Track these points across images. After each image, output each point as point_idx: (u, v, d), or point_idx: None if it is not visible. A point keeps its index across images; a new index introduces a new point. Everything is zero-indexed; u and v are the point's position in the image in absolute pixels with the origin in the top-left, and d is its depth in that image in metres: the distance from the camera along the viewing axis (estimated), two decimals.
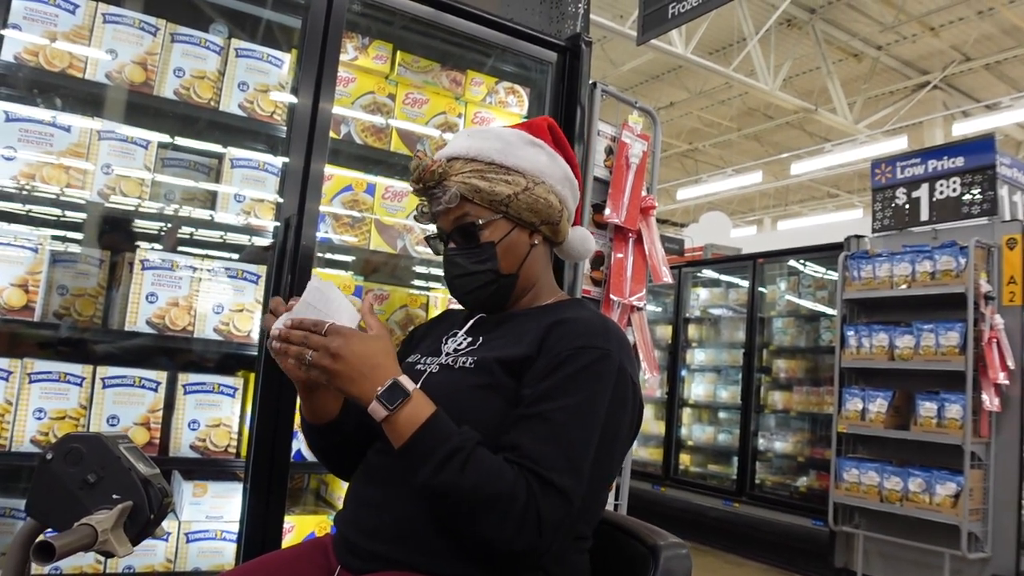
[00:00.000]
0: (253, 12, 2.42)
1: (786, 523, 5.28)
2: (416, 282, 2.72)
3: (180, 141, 2.31)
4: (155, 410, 2.10)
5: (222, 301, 2.19)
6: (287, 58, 2.34)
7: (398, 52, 2.53)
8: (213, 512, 2.17)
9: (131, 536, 1.01)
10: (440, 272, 2.56)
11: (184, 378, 2.15)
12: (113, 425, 2.05)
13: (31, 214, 2.17)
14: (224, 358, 2.28)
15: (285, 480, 2.11)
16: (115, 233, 2.23)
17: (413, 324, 2.54)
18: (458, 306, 1.50)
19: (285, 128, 2.28)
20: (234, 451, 2.18)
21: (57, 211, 2.17)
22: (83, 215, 2.20)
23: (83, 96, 2.17)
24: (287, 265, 2.11)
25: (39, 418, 1.95)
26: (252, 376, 2.17)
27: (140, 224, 2.30)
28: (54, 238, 2.07)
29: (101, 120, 2.14)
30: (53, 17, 2.08)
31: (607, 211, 2.60)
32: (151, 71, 2.17)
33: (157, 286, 2.12)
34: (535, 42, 2.60)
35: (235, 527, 2.16)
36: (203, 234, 2.40)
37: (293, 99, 2.24)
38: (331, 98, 2.22)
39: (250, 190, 2.26)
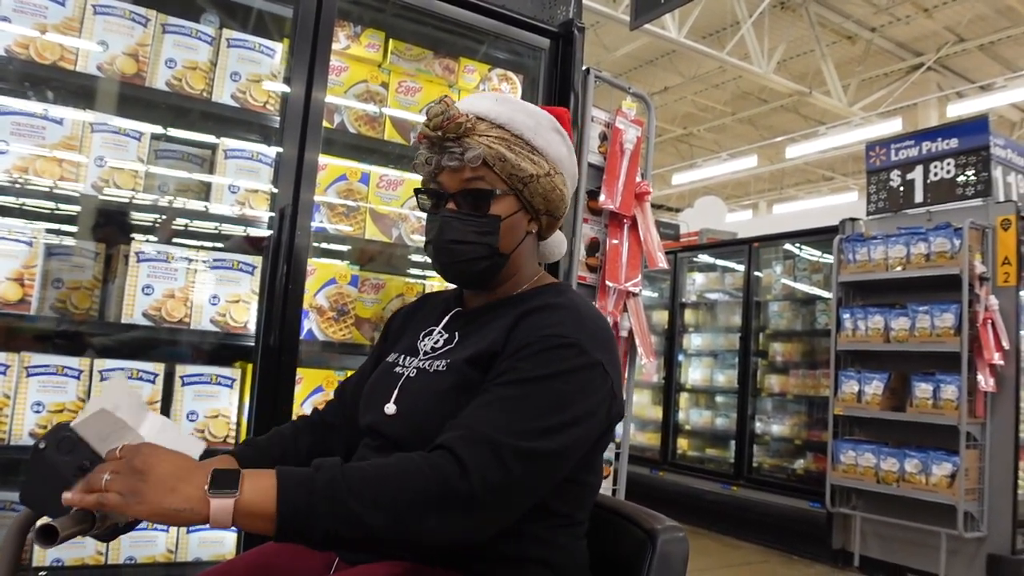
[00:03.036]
0: (244, 2, 2.40)
1: (784, 505, 5.31)
2: (412, 271, 2.72)
3: (173, 132, 2.30)
4: (153, 402, 2.11)
5: (218, 292, 2.19)
6: (279, 48, 2.33)
7: (390, 40, 2.52)
8: None
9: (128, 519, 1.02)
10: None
11: (182, 370, 2.16)
12: None
13: (25, 207, 2.16)
14: (221, 349, 2.28)
15: None
16: (109, 226, 2.22)
17: None
18: (439, 286, 1.47)
19: (278, 118, 2.28)
20: (233, 441, 2.18)
21: (51, 204, 2.16)
22: (77, 208, 2.20)
23: (75, 88, 2.16)
24: (283, 255, 2.11)
25: (37, 411, 1.96)
26: (250, 366, 2.18)
27: (134, 216, 2.29)
28: (48, 231, 2.07)
29: (93, 112, 2.14)
30: (43, 9, 2.07)
31: (602, 197, 2.60)
32: (143, 62, 2.16)
33: (153, 278, 2.12)
34: (528, 28, 2.59)
35: None
36: (198, 225, 2.39)
37: (286, 88, 2.24)
38: (324, 87, 2.22)
39: (244, 180, 2.26)
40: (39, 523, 0.89)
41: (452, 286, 1.42)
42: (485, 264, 1.25)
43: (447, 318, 1.33)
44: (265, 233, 2.26)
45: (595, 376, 1.12)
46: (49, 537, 0.88)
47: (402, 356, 1.31)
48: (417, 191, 1.31)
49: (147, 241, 2.16)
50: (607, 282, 2.58)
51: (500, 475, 1.01)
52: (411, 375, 1.25)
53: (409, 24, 2.56)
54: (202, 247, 2.23)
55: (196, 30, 2.24)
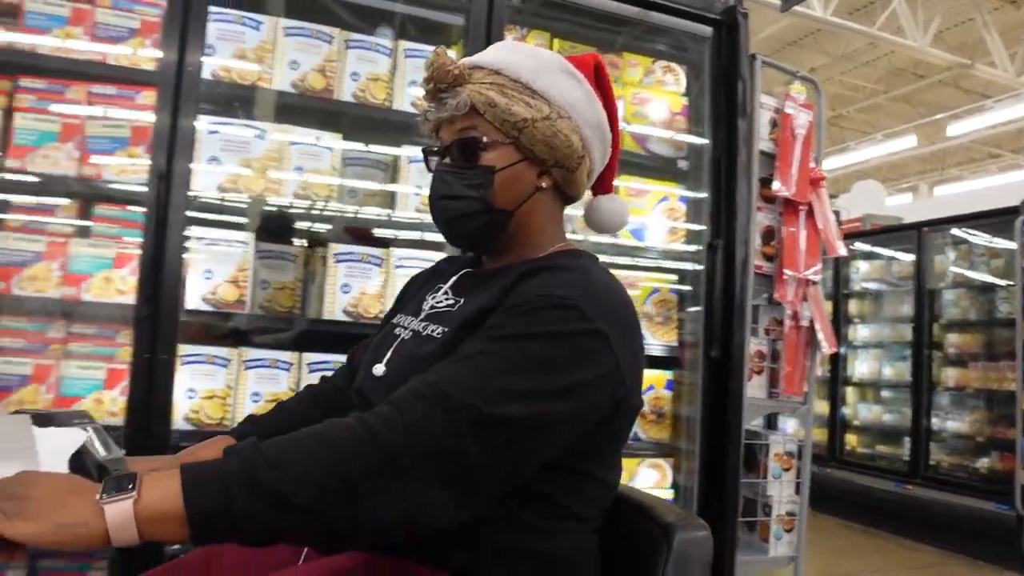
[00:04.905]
0: (416, 13, 2.53)
1: (966, 506, 4.98)
2: (654, 273, 2.75)
3: (359, 142, 2.45)
4: None
5: None
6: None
7: (555, 40, 2.57)
8: None
9: None
10: (605, 257, 2.62)
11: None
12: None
13: (237, 216, 2.37)
14: None
15: None
16: (309, 231, 2.40)
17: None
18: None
19: None
20: None
21: (257, 212, 2.36)
22: (280, 215, 2.38)
23: (273, 105, 2.34)
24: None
25: (256, 401, 2.14)
26: None
27: (331, 221, 2.46)
28: (257, 238, 2.25)
29: (290, 127, 2.31)
30: (240, 35, 2.25)
31: (775, 184, 2.54)
32: (330, 77, 2.31)
33: (349, 277, 2.27)
34: (688, 17, 2.58)
35: None
36: (386, 228, 2.54)
37: None
38: None
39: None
40: None
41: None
42: (481, 220, 1.14)
43: (455, 278, 1.24)
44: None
45: (595, 348, 0.98)
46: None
47: (405, 317, 1.24)
48: (424, 151, 1.24)
49: (342, 243, 2.31)
50: (785, 270, 2.52)
51: (447, 440, 0.87)
52: (405, 337, 1.17)
53: (572, 23, 2.61)
54: (392, 248, 2.35)
55: (375, 43, 2.38)
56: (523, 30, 2.52)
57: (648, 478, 2.61)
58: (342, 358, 2.22)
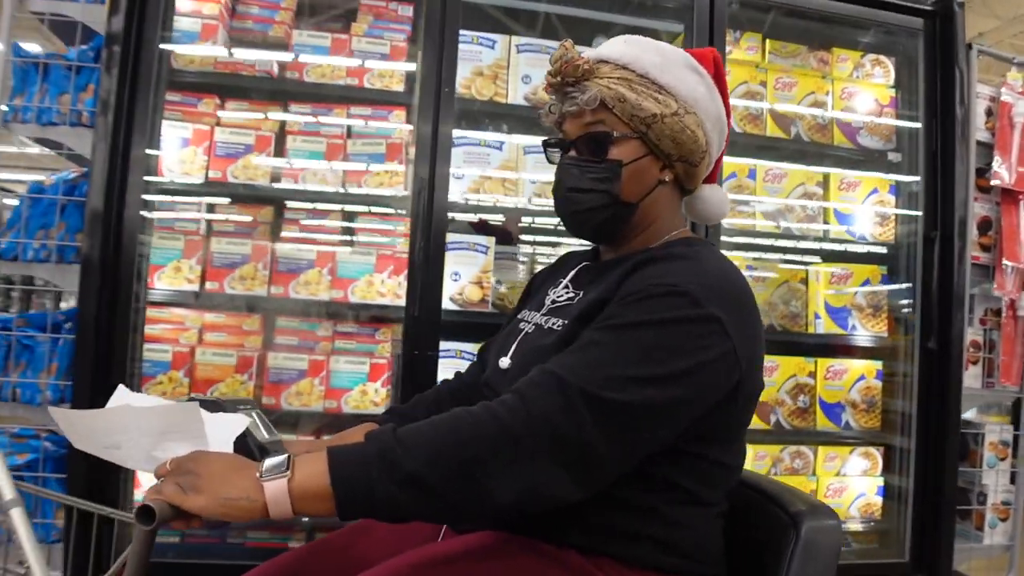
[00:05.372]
0: (633, 23, 2.65)
1: None
2: (792, 257, 2.82)
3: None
4: None
5: None
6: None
7: (767, 41, 2.64)
8: None
9: None
10: (818, 245, 2.68)
11: None
12: None
13: (482, 221, 2.57)
14: None
15: None
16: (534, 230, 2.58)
17: (796, 300, 2.67)
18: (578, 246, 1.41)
19: None
20: None
21: (499, 217, 2.55)
22: (514, 218, 2.57)
23: (508, 118, 2.52)
24: None
25: None
26: None
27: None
28: (498, 242, 2.44)
29: (525, 136, 2.48)
30: (478, 55, 2.44)
31: (996, 174, 2.54)
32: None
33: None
34: (901, 11, 2.59)
35: None
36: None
37: None
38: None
39: None
40: (140, 504, 0.88)
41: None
42: (607, 214, 1.16)
43: (574, 271, 1.27)
44: None
45: (708, 332, 0.99)
46: (147, 517, 0.87)
47: (530, 312, 1.28)
48: (545, 143, 1.26)
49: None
50: (1004, 261, 2.52)
51: (568, 423, 0.92)
52: (529, 331, 1.22)
53: (783, 23, 2.67)
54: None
55: (543, 46, 2.51)
56: (736, 33, 2.60)
57: (858, 466, 2.67)
58: None
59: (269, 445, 1.08)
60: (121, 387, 1.13)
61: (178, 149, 2.29)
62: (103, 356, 2.06)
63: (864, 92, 2.69)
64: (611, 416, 0.93)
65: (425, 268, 2.21)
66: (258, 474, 0.90)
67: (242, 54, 2.34)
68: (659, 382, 0.95)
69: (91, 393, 2.02)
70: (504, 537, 1.05)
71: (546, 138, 1.26)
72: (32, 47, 2.38)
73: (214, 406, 1.09)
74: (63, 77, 2.21)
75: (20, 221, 2.19)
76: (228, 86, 2.37)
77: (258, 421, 1.11)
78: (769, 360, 2.57)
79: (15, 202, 2.43)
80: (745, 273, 2.50)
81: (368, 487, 0.89)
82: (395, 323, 2.39)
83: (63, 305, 2.47)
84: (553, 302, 1.22)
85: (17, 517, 1.22)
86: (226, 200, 2.41)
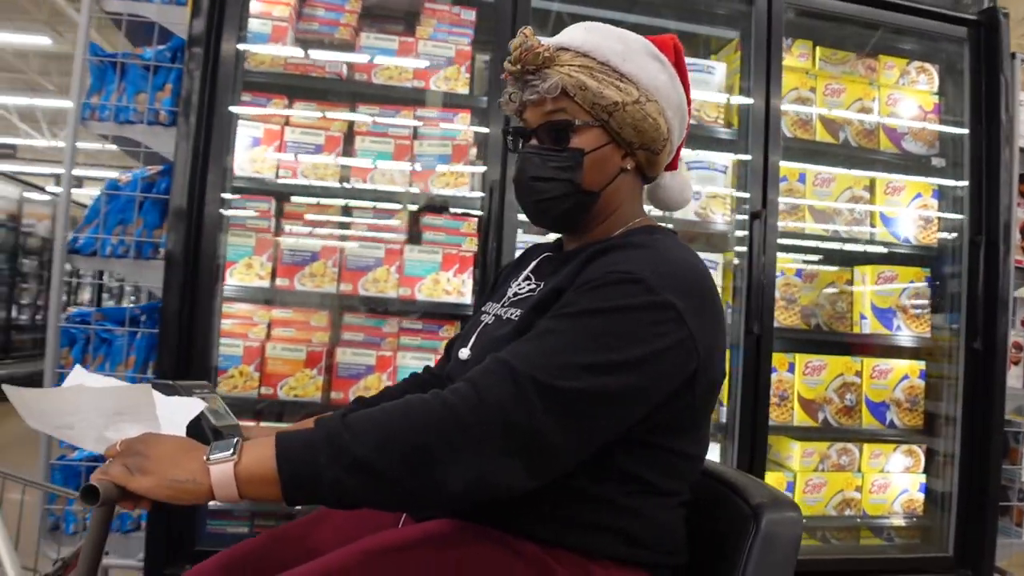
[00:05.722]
0: (685, 29, 2.71)
1: None
2: (839, 259, 2.89)
3: None
4: None
5: None
6: (722, 67, 2.61)
7: (817, 48, 2.72)
8: None
9: None
10: (864, 248, 2.75)
11: None
12: None
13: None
14: None
15: (765, 443, 2.40)
16: None
17: (842, 301, 2.74)
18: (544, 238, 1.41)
19: (726, 129, 2.56)
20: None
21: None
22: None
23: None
24: (755, 254, 2.39)
25: None
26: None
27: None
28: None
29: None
30: None
31: None
32: None
33: None
34: (948, 20, 2.67)
35: None
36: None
37: (744, 101, 2.51)
38: (779, 97, 2.46)
39: (706, 188, 2.57)
40: (84, 484, 0.88)
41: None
42: (569, 203, 1.16)
43: (535, 262, 1.28)
44: (724, 233, 2.57)
45: (663, 319, 0.97)
46: (91, 497, 0.87)
47: (492, 304, 1.27)
48: (505, 131, 1.26)
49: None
50: None
51: (519, 411, 0.91)
52: (489, 322, 1.22)
53: (833, 30, 2.74)
54: None
55: None
56: (787, 40, 2.67)
57: (901, 463, 2.74)
58: None
59: (224, 429, 1.08)
60: (77, 367, 1.12)
61: (249, 148, 2.33)
62: (184, 350, 2.10)
63: (909, 98, 2.76)
64: (563, 404, 0.92)
65: (496, 267, 2.26)
66: (205, 457, 0.90)
67: (314, 55, 2.38)
68: (612, 369, 0.94)
69: None
70: (461, 525, 1.05)
71: (506, 126, 1.26)
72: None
73: (169, 389, 1.09)
74: (140, 77, 2.25)
75: (98, 217, 2.23)
76: (296, 87, 2.41)
77: (215, 406, 1.10)
78: (817, 359, 2.65)
79: (89, 199, 2.46)
80: (792, 275, 2.62)
81: (315, 472, 0.88)
82: (459, 320, 2.44)
83: (128, 301, 2.50)
84: (515, 294, 1.22)
85: None
86: (296, 198, 2.45)
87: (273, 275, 2.32)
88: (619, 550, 1.04)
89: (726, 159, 2.59)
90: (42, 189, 8.35)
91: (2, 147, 10.65)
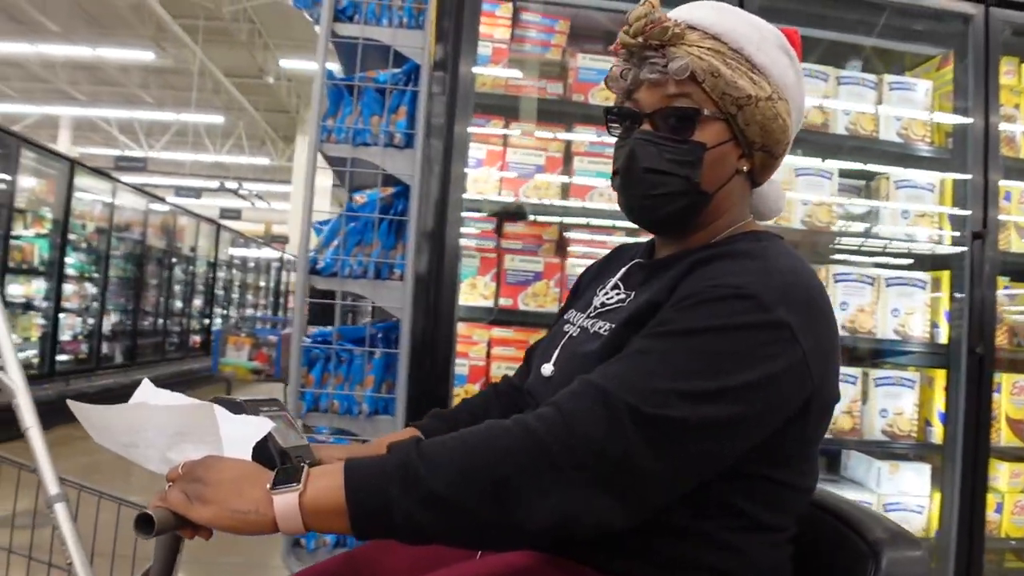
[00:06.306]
0: (889, 47, 2.71)
1: None
2: None
3: (851, 169, 2.66)
4: (854, 400, 2.47)
5: (897, 305, 2.50)
6: (925, 84, 2.60)
7: (1022, 64, 2.69)
8: (904, 487, 2.50)
9: None
10: None
11: (873, 373, 2.50)
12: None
13: None
14: (903, 355, 2.60)
15: (987, 465, 2.38)
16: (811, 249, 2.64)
17: None
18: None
19: (932, 148, 2.54)
20: (914, 436, 2.48)
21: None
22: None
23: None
24: (975, 273, 2.37)
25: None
26: (941, 372, 2.46)
27: (834, 242, 2.69)
28: None
29: (796, 157, 2.55)
30: None
31: None
32: (827, 112, 2.53)
33: (847, 295, 2.48)
34: None
35: (923, 501, 2.47)
36: (868, 247, 2.74)
37: (960, 120, 2.49)
38: (997, 115, 2.45)
39: (913, 206, 2.56)
40: (138, 513, 0.83)
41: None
42: (682, 202, 1.02)
43: (624, 269, 1.14)
44: (936, 251, 2.55)
45: (776, 339, 0.87)
46: (145, 526, 0.82)
47: (576, 314, 1.15)
48: (607, 112, 1.08)
49: (844, 264, 2.54)
50: None
51: (612, 442, 0.82)
52: (574, 334, 1.11)
53: None
54: (881, 266, 2.55)
55: (863, 79, 2.57)
56: None
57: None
58: (844, 369, 2.47)
59: (292, 450, 0.99)
60: (146, 381, 1.06)
61: (472, 169, 2.38)
62: (426, 370, 2.15)
63: None
64: (662, 435, 0.82)
65: None
66: (269, 486, 0.83)
67: (530, 76, 2.44)
68: (719, 397, 0.84)
69: (415, 406, 2.12)
70: (544, 559, 0.96)
71: (611, 106, 1.08)
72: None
73: (235, 407, 1.01)
74: (374, 100, 2.31)
75: (335, 238, 2.29)
76: (513, 107, 2.46)
77: (284, 425, 1.02)
78: None
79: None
80: (1000, 291, 2.59)
81: (385, 505, 0.81)
82: None
83: (360, 320, 2.56)
84: (603, 304, 1.10)
85: (60, 512, 1.22)
86: (519, 219, 2.50)
87: (496, 295, 2.37)
88: None
89: (932, 177, 2.57)
90: (163, 200, 8.61)
91: (134, 160, 11.02)
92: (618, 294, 1.09)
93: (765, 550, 0.95)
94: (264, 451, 0.94)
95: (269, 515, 0.81)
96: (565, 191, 2.44)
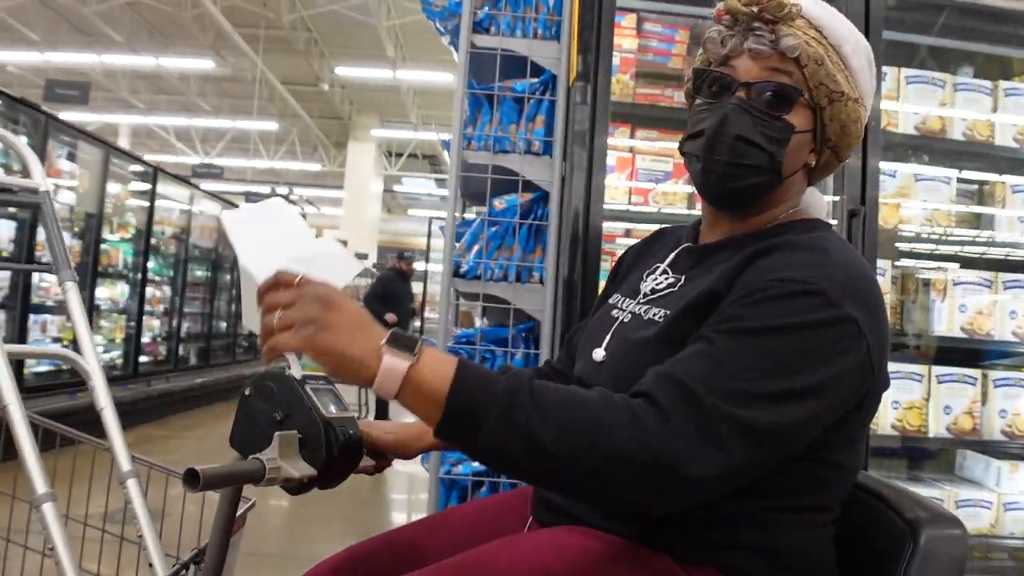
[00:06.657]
0: (996, 52, 2.76)
1: None
2: None
3: (967, 174, 2.72)
4: (974, 401, 2.52)
5: (1016, 308, 2.55)
6: None
7: None
8: None
9: (319, 469, 0.93)
10: None
11: (992, 374, 2.55)
12: (947, 414, 2.50)
13: None
14: (1021, 356, 2.65)
15: None
16: (932, 254, 2.70)
17: None
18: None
19: None
20: None
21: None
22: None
23: (898, 145, 2.65)
24: None
25: (895, 408, 2.46)
26: None
27: (949, 248, 2.75)
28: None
29: (911, 165, 2.61)
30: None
31: None
32: (945, 119, 2.59)
33: (965, 298, 2.53)
34: None
35: None
36: (989, 252, 2.79)
37: None
38: None
39: None
40: (187, 468, 0.83)
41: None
42: (760, 178, 1.02)
43: (673, 255, 1.14)
44: None
45: (844, 335, 0.88)
46: (193, 481, 0.82)
47: (623, 299, 1.15)
48: (698, 72, 1.08)
49: (961, 269, 2.59)
50: None
51: (708, 443, 0.82)
52: (624, 320, 1.09)
53: None
54: (998, 271, 2.60)
55: (980, 86, 2.63)
56: None
57: None
58: (966, 371, 2.52)
59: (336, 421, 0.94)
60: (278, 198, 1.08)
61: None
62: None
63: None
64: (748, 437, 0.83)
65: None
66: (383, 342, 0.83)
67: (656, 85, 2.52)
68: (796, 397, 0.85)
69: None
70: (591, 535, 0.97)
71: (705, 68, 1.07)
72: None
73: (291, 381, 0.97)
74: (512, 109, 2.42)
75: (476, 242, 2.40)
76: (638, 116, 2.55)
77: (331, 398, 0.99)
78: None
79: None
80: None
81: (479, 417, 0.81)
82: None
83: (479, 322, 2.66)
84: (652, 290, 1.10)
85: (132, 488, 1.25)
86: (647, 224, 2.59)
87: None
88: (761, 570, 0.95)
89: None
90: (237, 206, 8.84)
91: (211, 168, 11.32)
92: (667, 279, 1.09)
93: (809, 530, 0.97)
94: (305, 416, 0.93)
95: (372, 370, 0.81)
96: (691, 198, 2.53)
